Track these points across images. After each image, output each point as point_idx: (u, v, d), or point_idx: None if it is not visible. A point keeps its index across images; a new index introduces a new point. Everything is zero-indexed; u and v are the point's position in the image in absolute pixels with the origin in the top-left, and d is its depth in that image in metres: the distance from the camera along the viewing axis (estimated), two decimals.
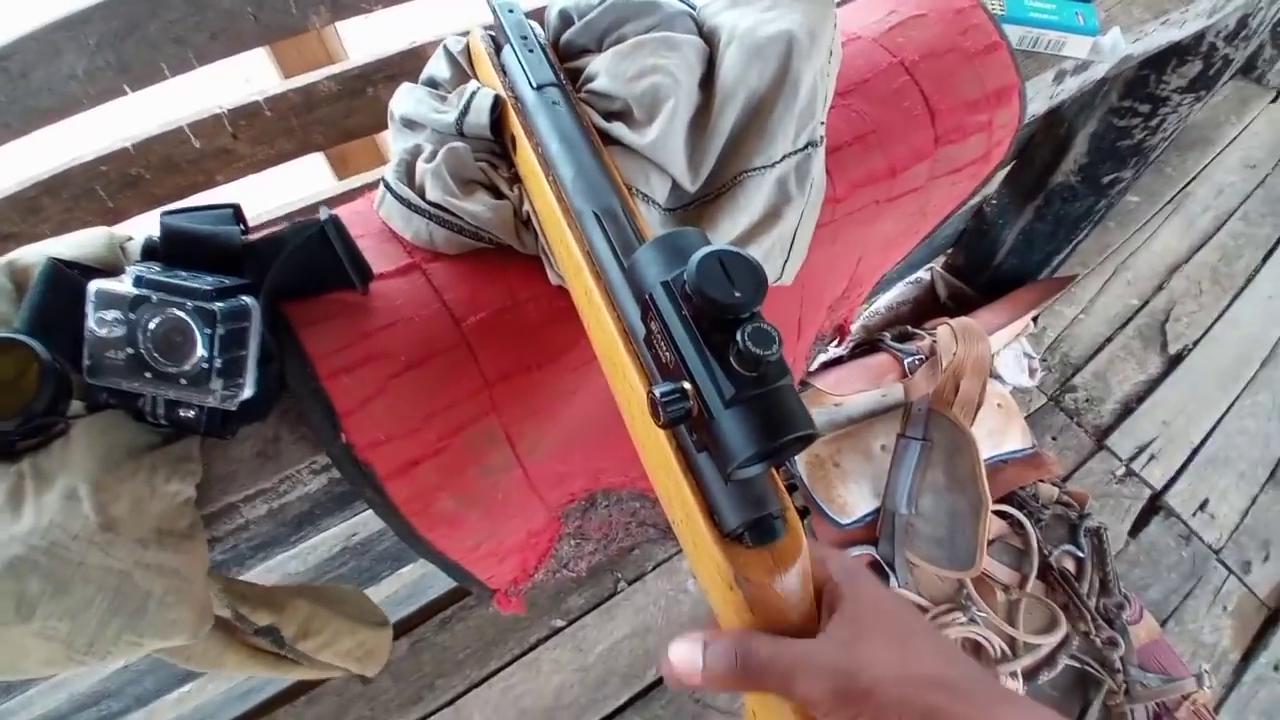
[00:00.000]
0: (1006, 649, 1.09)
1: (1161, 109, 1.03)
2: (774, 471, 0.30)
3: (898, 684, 0.27)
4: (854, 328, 1.29)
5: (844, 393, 1.12)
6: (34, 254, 0.42)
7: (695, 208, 0.46)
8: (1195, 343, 1.55)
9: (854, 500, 1.17)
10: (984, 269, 1.31)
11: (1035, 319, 1.53)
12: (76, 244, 0.42)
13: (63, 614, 0.36)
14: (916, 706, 0.27)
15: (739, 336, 0.24)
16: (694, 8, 0.47)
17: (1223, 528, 1.33)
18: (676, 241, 0.29)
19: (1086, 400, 1.45)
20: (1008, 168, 1.16)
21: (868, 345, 1.21)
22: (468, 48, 0.46)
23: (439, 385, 0.42)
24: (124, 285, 0.37)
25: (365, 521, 0.92)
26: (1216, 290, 1.65)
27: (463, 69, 0.46)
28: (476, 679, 1.13)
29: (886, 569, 1.18)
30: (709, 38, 0.45)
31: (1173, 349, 1.53)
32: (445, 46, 0.47)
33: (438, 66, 0.48)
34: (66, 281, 0.40)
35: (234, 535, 0.43)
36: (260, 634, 0.46)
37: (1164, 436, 1.42)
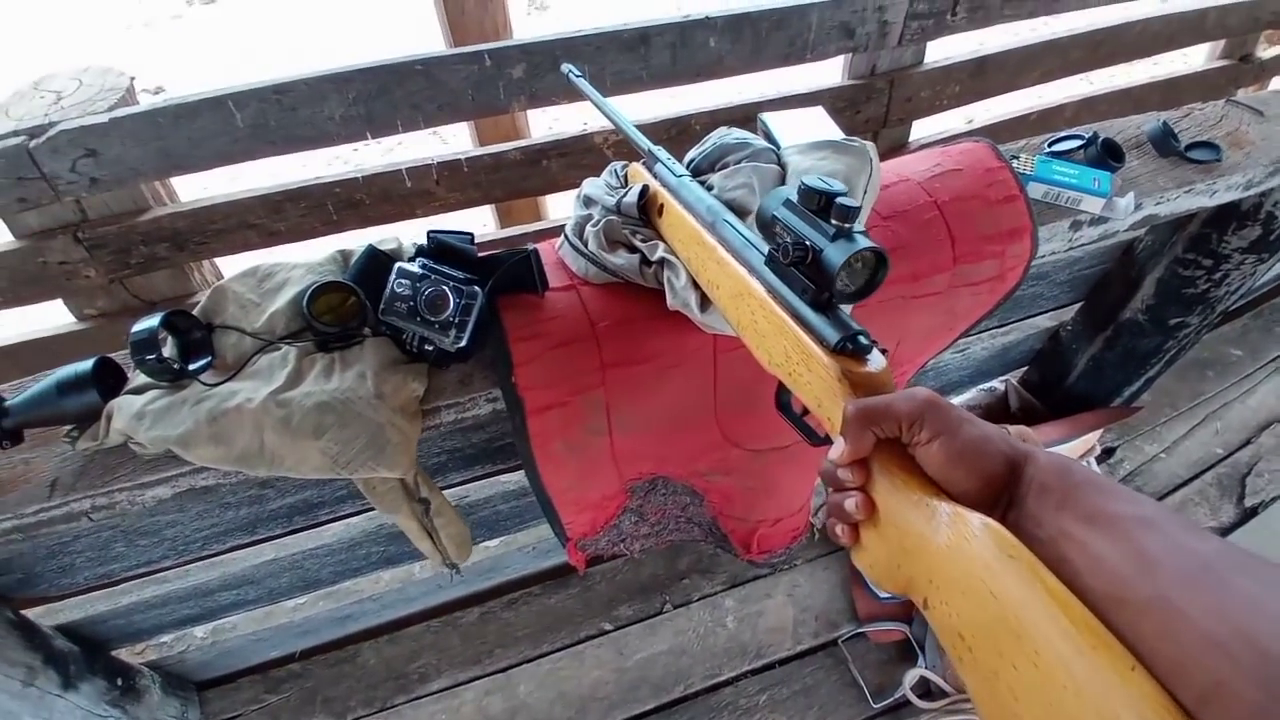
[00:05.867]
0: None
1: (1224, 265, 1.18)
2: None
3: (953, 408, 0.41)
4: None
5: None
6: (353, 245, 0.74)
7: None
8: (1274, 499, 1.58)
9: None
10: (1056, 388, 1.46)
11: (1111, 450, 1.63)
12: (381, 240, 0.73)
13: (339, 440, 0.64)
14: (967, 415, 0.41)
15: (835, 203, 0.43)
16: (778, 147, 0.74)
17: None
18: (776, 192, 0.51)
19: None
20: (1082, 301, 1.33)
21: None
22: (624, 170, 0.75)
23: (574, 360, 0.69)
24: (415, 267, 0.67)
25: (473, 490, 1.19)
26: None
27: (621, 178, 0.75)
28: (529, 656, 1.36)
29: (916, 648, 1.31)
30: (784, 168, 0.72)
31: (1249, 502, 1.57)
32: (612, 168, 0.76)
33: (607, 175, 0.77)
34: (376, 259, 0.70)
35: (431, 430, 0.70)
36: (418, 502, 0.73)
37: None
